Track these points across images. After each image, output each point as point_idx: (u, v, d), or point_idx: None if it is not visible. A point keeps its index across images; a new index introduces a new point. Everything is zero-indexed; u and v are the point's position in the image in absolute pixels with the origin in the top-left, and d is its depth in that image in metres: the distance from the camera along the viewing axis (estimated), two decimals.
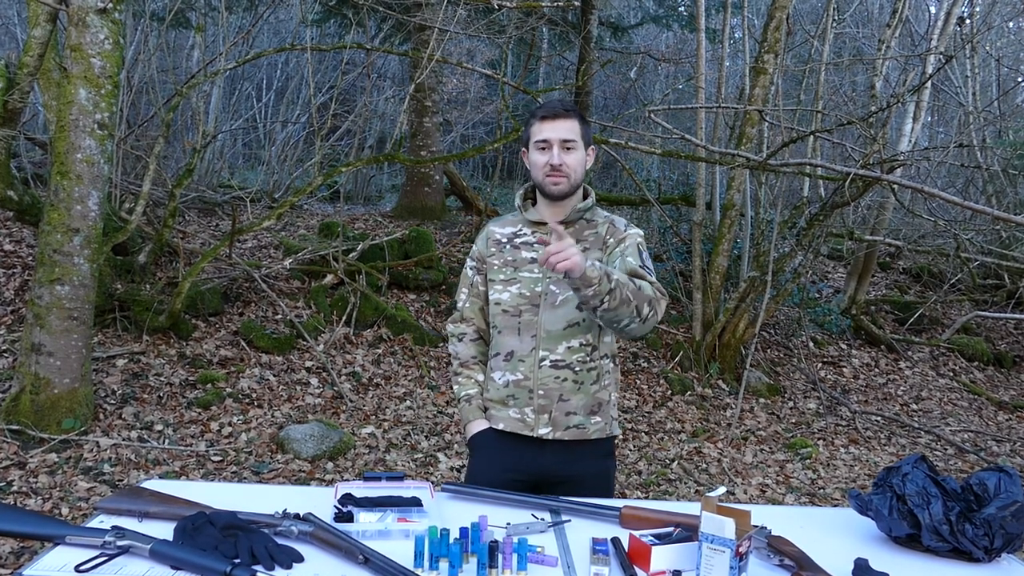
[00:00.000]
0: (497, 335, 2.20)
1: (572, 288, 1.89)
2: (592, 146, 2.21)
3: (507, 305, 2.16)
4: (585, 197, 2.21)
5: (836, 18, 7.50)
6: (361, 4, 6.37)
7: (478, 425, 2.22)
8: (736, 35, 9.98)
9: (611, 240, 2.17)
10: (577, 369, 2.13)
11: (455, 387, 2.31)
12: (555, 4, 6.23)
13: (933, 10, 9.07)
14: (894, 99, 5.49)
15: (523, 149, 2.22)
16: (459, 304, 2.32)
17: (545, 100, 2.23)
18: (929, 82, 7.44)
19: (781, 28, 6.31)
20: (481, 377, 2.28)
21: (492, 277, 2.21)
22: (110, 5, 4.19)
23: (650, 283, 2.05)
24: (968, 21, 8.46)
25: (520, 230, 2.22)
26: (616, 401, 2.27)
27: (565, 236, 1.84)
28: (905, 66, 7.86)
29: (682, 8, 11.93)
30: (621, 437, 5.52)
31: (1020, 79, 11.46)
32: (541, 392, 2.12)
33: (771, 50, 6.31)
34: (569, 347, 2.12)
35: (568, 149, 2.10)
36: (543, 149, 2.11)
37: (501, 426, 2.18)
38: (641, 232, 2.21)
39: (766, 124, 6.61)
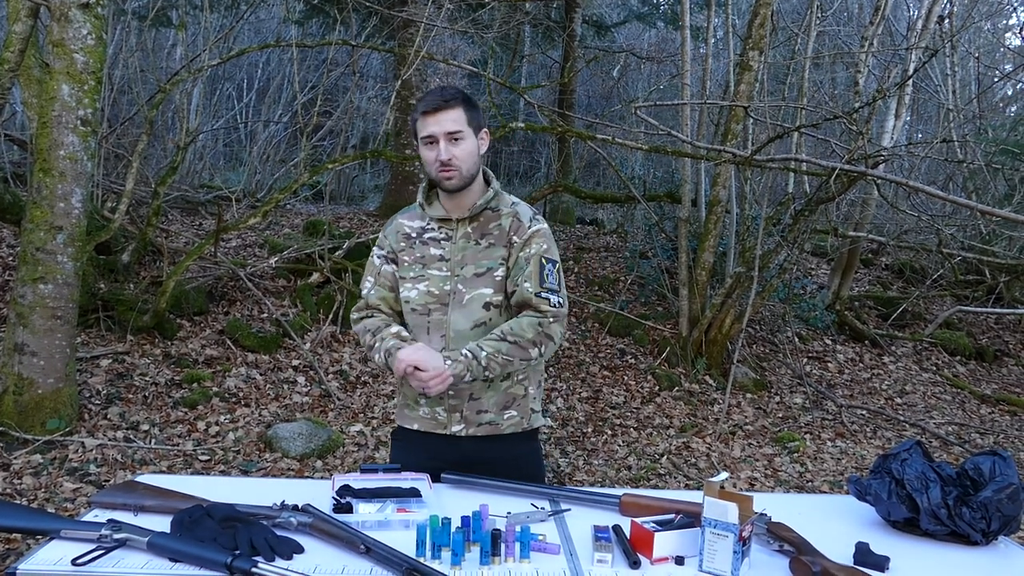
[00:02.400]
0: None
1: None
2: (485, 128, 2.13)
3: (415, 304, 2.11)
4: (487, 182, 2.15)
5: (819, 15, 7.55)
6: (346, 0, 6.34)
7: (413, 349, 2.02)
8: (719, 34, 10.03)
9: (515, 239, 2.10)
10: None
11: (376, 349, 2.10)
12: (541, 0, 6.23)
13: (914, 13, 9.17)
14: (879, 94, 5.52)
15: (415, 143, 2.13)
16: (364, 292, 2.21)
17: (428, 93, 2.12)
18: (911, 79, 7.50)
19: (766, 25, 6.33)
20: (399, 329, 2.13)
21: (402, 274, 2.14)
22: (92, 0, 4.14)
23: (540, 312, 2.05)
24: (947, 20, 8.54)
25: (428, 224, 2.15)
26: (538, 394, 2.21)
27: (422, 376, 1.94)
28: (888, 64, 7.93)
29: (664, 6, 11.97)
30: (609, 433, 5.52)
31: (997, 78, 11.59)
32: (451, 392, 2.07)
33: (756, 47, 6.34)
34: None
35: (455, 140, 2.02)
36: (429, 144, 2.04)
37: (416, 426, 2.15)
38: (546, 228, 2.15)
39: (751, 120, 6.64)
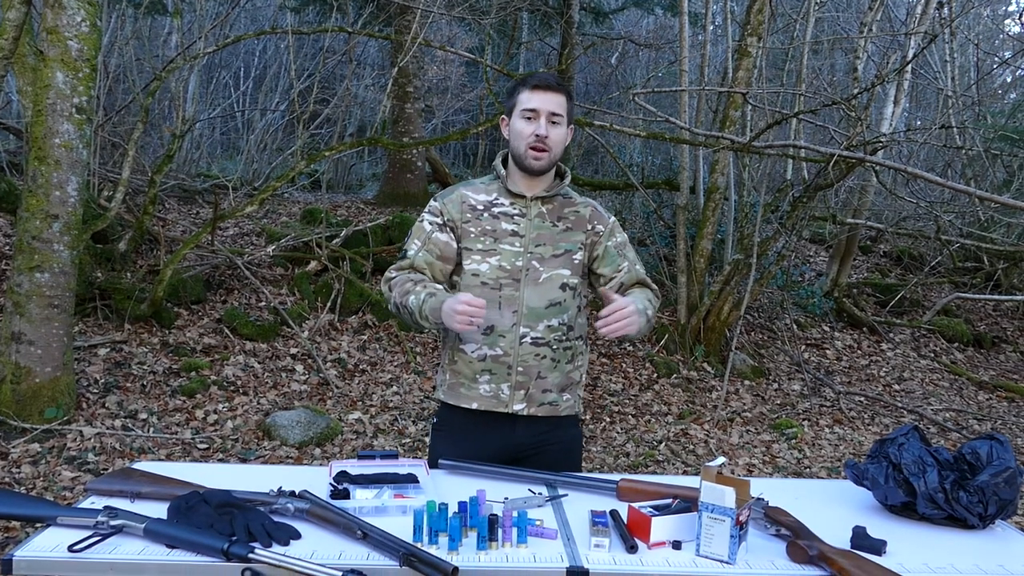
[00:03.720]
0: None
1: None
2: (571, 125, 2.18)
3: (486, 277, 2.09)
4: (560, 175, 2.20)
5: (818, 1, 7.52)
6: None
7: (455, 298, 1.92)
8: (717, 20, 9.99)
9: (599, 227, 2.17)
10: (555, 347, 2.11)
11: (412, 296, 2.01)
12: None
13: None
14: (878, 80, 5.50)
15: (503, 118, 2.17)
16: (410, 253, 2.13)
17: (539, 72, 2.18)
18: (910, 64, 7.47)
19: (764, 11, 6.31)
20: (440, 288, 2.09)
21: (468, 246, 2.12)
22: None
23: (652, 289, 2.21)
24: (946, 6, 8.50)
25: (496, 199, 2.14)
26: (583, 382, 2.27)
27: (619, 301, 1.95)
28: (887, 50, 7.90)
29: None
30: (608, 420, 5.53)
31: (996, 64, 11.55)
32: (520, 369, 2.09)
33: (754, 33, 6.31)
34: (549, 325, 2.10)
35: (554, 123, 2.07)
36: (530, 119, 2.07)
37: (474, 405, 2.12)
38: (618, 221, 2.29)
39: (749, 107, 6.62)
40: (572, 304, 2.13)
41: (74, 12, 4.11)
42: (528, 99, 2.07)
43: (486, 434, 2.12)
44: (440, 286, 2.09)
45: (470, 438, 2.13)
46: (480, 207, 2.14)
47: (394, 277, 2.13)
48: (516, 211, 2.13)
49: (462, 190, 2.18)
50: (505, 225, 2.12)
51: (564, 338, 2.13)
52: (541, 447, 2.14)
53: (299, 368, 5.46)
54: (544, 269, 2.10)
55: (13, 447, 4.00)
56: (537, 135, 2.04)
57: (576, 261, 2.14)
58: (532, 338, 2.09)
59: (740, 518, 1.55)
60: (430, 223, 2.15)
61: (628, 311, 1.91)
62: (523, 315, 2.09)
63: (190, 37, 8.17)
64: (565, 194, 2.19)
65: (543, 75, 2.13)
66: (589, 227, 2.16)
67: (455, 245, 2.13)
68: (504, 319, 2.08)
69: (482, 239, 2.11)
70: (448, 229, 2.13)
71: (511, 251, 2.10)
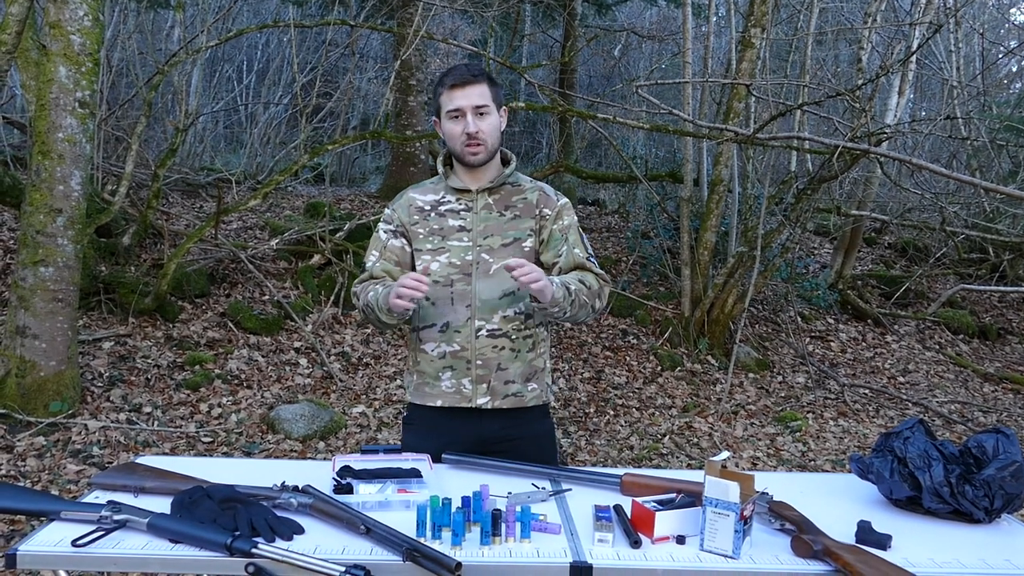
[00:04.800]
0: (429, 307, 2.11)
1: (537, 307, 2.00)
2: (504, 107, 2.16)
3: (437, 275, 2.09)
4: (505, 162, 2.18)
5: None
6: None
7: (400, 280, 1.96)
8: (721, 11, 9.94)
9: (547, 211, 2.14)
10: (514, 337, 2.10)
11: (371, 294, 2.07)
12: None
13: None
14: (882, 70, 5.47)
15: (435, 119, 2.16)
16: (368, 265, 2.19)
17: (454, 68, 2.17)
18: (914, 55, 7.43)
19: (768, 1, 6.27)
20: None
21: (418, 247, 2.13)
22: None
23: (595, 274, 2.13)
24: None
25: (443, 197, 2.15)
26: (550, 368, 2.24)
27: (524, 264, 1.90)
28: (891, 40, 7.86)
29: None
30: (611, 413, 5.53)
31: (1001, 54, 11.49)
32: (479, 362, 2.09)
33: (758, 24, 6.28)
34: (504, 316, 2.09)
35: (482, 115, 2.06)
36: (456, 118, 2.06)
37: (439, 402, 2.12)
38: (570, 204, 2.22)
39: (753, 99, 6.59)
40: (526, 292, 2.08)
41: (76, 7, 4.11)
42: (449, 100, 2.06)
43: (453, 430, 2.12)
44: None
45: (437, 434, 2.12)
46: (427, 207, 2.15)
47: (357, 290, 2.18)
48: (462, 206, 2.13)
49: (410, 193, 2.20)
50: (452, 222, 2.12)
51: (522, 327, 2.12)
52: (510, 441, 2.12)
53: (303, 362, 5.47)
54: (494, 260, 2.09)
55: (18, 441, 4.02)
56: (468, 133, 2.04)
57: (526, 249, 2.12)
58: (488, 330, 2.08)
59: (744, 513, 1.54)
60: (385, 232, 2.19)
61: (538, 271, 1.90)
62: (477, 308, 2.09)
63: (193, 31, 8.17)
64: (514, 182, 2.17)
65: (458, 71, 2.09)
66: (537, 212, 2.14)
67: (409, 249, 2.15)
68: (457, 314, 2.09)
69: (431, 239, 2.12)
70: (399, 235, 2.16)
71: (459, 246, 2.10)
